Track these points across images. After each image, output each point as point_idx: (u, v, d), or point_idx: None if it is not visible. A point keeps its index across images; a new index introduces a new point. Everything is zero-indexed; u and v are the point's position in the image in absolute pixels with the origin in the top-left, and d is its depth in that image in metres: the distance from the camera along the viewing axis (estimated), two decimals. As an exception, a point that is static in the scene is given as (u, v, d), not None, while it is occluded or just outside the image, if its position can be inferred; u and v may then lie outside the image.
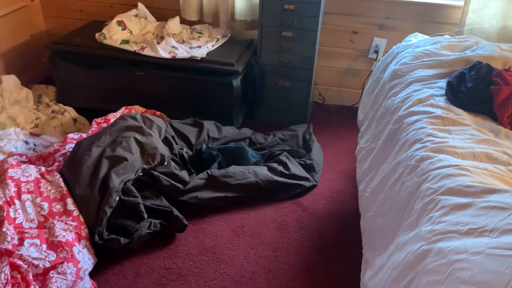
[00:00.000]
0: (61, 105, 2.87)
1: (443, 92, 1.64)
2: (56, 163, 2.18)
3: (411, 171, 1.34)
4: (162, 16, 3.03)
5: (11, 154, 2.32)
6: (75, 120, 2.82)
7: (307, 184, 2.37)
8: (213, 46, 2.73)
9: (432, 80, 1.73)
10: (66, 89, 2.84)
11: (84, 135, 2.35)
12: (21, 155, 2.33)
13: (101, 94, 2.80)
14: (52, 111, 2.84)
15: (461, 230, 1.05)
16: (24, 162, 2.25)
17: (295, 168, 2.41)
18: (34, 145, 2.49)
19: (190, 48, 2.68)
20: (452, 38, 2.04)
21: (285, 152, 2.46)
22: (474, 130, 1.43)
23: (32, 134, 2.55)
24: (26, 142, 2.46)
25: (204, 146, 2.29)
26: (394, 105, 1.70)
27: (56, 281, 1.67)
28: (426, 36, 2.22)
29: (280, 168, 2.37)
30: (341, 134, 2.91)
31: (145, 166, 2.12)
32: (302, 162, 2.48)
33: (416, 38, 2.18)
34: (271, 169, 2.36)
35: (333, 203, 2.32)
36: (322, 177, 2.49)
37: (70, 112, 2.84)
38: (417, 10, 2.78)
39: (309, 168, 2.47)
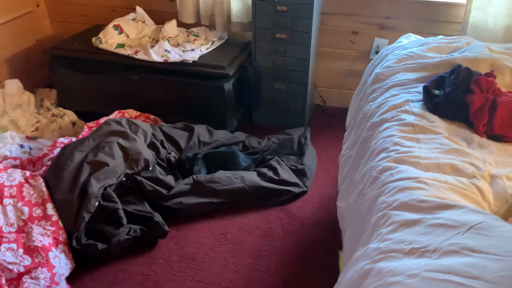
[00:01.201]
0: (61, 108, 2.91)
1: (421, 97, 1.55)
2: (44, 167, 2.21)
3: (372, 183, 1.27)
4: (161, 19, 3.03)
5: (5, 158, 2.37)
6: (74, 123, 2.86)
7: (296, 190, 2.31)
8: (207, 49, 2.71)
9: (413, 85, 1.64)
10: (65, 93, 2.88)
11: (74, 139, 2.37)
12: (15, 158, 2.38)
13: (98, 98, 2.82)
14: (52, 115, 2.89)
15: (404, 250, 0.98)
16: (16, 166, 2.30)
17: (285, 173, 2.35)
18: (30, 148, 2.53)
19: (183, 51, 2.66)
20: (443, 39, 1.94)
21: (276, 157, 2.41)
22: (445, 138, 1.34)
23: (28, 138, 2.60)
24: (22, 146, 2.50)
25: (183, 156, 2.27)
26: (370, 110, 1.62)
27: (28, 286, 1.69)
28: (419, 37, 2.12)
29: (270, 173, 2.32)
30: (340, 137, 2.76)
31: (128, 171, 2.12)
32: (293, 167, 2.42)
33: (408, 39, 2.09)
34: (260, 174, 2.32)
35: (321, 210, 2.25)
36: (314, 183, 2.42)
37: (70, 116, 2.88)
38: (418, 9, 2.67)
39: (301, 173, 2.40)
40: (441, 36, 2.02)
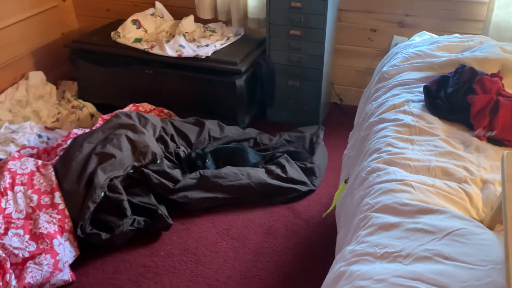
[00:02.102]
0: (81, 100, 2.99)
1: (423, 97, 1.50)
2: (57, 157, 2.27)
3: (360, 183, 1.25)
4: (180, 14, 3.06)
5: (23, 147, 2.46)
6: (92, 115, 2.93)
7: (303, 188, 2.28)
8: (222, 44, 2.72)
9: (416, 84, 1.58)
10: (85, 85, 2.96)
11: (88, 131, 2.42)
12: (32, 148, 2.46)
13: (115, 91, 2.88)
14: (72, 106, 2.97)
15: (377, 253, 0.95)
16: (33, 155, 2.38)
17: (294, 171, 2.33)
18: (48, 138, 2.62)
19: (198, 46, 2.68)
20: (455, 37, 1.86)
21: (285, 155, 2.39)
22: (441, 141, 1.29)
23: (47, 128, 2.69)
24: (40, 136, 2.59)
25: (193, 154, 2.28)
26: (371, 110, 1.58)
27: (31, 271, 1.75)
28: (433, 35, 2.05)
29: (278, 171, 2.31)
30: (355, 137, 2.78)
31: (135, 163, 2.15)
32: (302, 165, 2.39)
33: (421, 37, 2.02)
34: (268, 171, 2.30)
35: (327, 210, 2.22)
36: (322, 182, 2.39)
37: (89, 108, 2.95)
38: (439, 7, 2.58)
39: (309, 172, 2.37)
40: (456, 35, 1.95)
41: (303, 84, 2.71)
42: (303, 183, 2.30)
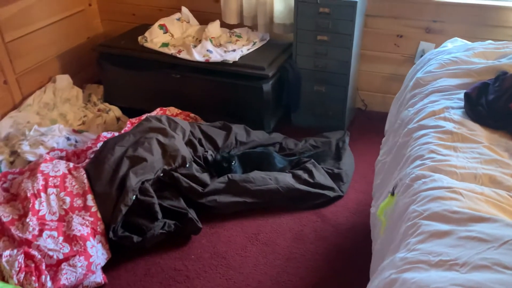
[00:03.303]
0: (107, 104, 3.02)
1: (462, 104, 1.49)
2: (87, 160, 2.30)
3: (404, 190, 1.24)
4: (206, 19, 3.08)
5: (52, 149, 2.49)
6: (118, 119, 2.96)
7: (331, 194, 2.28)
8: (248, 50, 2.73)
9: (455, 91, 1.58)
10: (111, 89, 2.99)
11: (117, 134, 2.45)
12: (61, 150, 2.49)
13: (141, 95, 2.91)
14: (98, 110, 3.00)
15: (431, 261, 0.94)
16: (62, 157, 2.40)
17: (321, 176, 2.33)
18: (76, 141, 2.65)
19: (225, 51, 2.69)
20: (490, 44, 1.85)
21: (312, 160, 2.39)
22: (485, 148, 1.28)
23: (74, 131, 2.72)
24: (68, 139, 2.62)
25: (218, 156, 2.29)
26: (408, 116, 1.58)
27: (66, 273, 1.76)
28: (465, 41, 2.03)
29: (305, 176, 2.31)
30: (381, 142, 2.76)
31: (165, 167, 2.17)
32: (329, 170, 2.39)
33: (453, 44, 2.01)
34: (295, 176, 2.31)
35: (357, 216, 2.21)
36: (350, 188, 2.39)
37: (115, 111, 2.98)
38: (468, 13, 2.57)
39: (337, 177, 2.37)
40: (489, 41, 1.93)
41: (329, 89, 2.71)
42: (330, 188, 2.30)
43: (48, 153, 2.40)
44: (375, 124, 2.98)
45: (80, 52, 3.35)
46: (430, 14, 2.66)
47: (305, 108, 2.83)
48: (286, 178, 2.27)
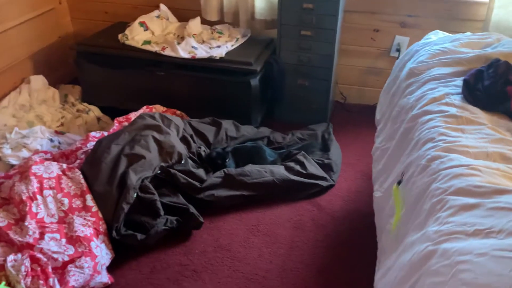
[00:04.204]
0: (86, 104, 2.95)
1: (459, 90, 1.60)
2: (78, 161, 2.24)
3: (421, 171, 1.32)
4: (184, 16, 3.07)
5: (36, 152, 2.41)
6: (99, 119, 2.90)
7: (324, 183, 2.35)
8: (232, 45, 2.75)
9: (449, 79, 1.69)
10: (90, 88, 2.92)
11: (106, 134, 2.41)
12: (45, 152, 2.42)
13: (123, 93, 2.86)
14: (77, 110, 2.92)
15: (468, 231, 1.02)
16: (48, 159, 2.33)
17: (313, 167, 2.40)
18: (59, 143, 2.57)
19: (210, 48, 2.70)
20: (473, 35, 1.99)
21: (302, 152, 2.46)
22: (489, 129, 1.39)
23: (57, 132, 2.64)
24: (51, 140, 2.54)
25: (214, 153, 2.31)
26: (409, 103, 1.67)
27: (74, 275, 1.73)
28: (447, 34, 2.17)
29: (297, 167, 2.37)
30: (362, 133, 2.88)
31: (162, 164, 2.16)
32: (320, 161, 2.47)
33: (436, 36, 2.14)
34: (288, 168, 2.36)
35: (350, 203, 2.30)
36: (340, 177, 2.47)
37: (95, 111, 2.92)
38: (440, 7, 2.72)
39: (327, 167, 2.45)
40: (469, 33, 2.07)
41: (312, 83, 2.79)
42: (323, 178, 2.38)
43: (32, 155, 2.32)
44: (353, 116, 3.10)
45: (51, 52, 3.25)
46: (405, 9, 2.79)
47: (288, 102, 2.89)
48: (281, 170, 2.32)
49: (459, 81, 1.64)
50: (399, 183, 1.46)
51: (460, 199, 1.12)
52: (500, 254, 0.93)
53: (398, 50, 2.89)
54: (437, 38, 2.09)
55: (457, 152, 1.30)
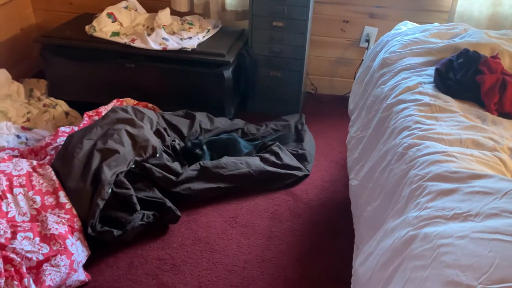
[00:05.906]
0: (52, 98, 2.85)
1: (432, 79, 1.65)
2: (48, 157, 2.18)
3: (399, 158, 1.36)
4: (152, 7, 3.02)
5: (2, 149, 2.32)
6: (67, 113, 2.82)
7: (299, 173, 2.38)
8: (203, 37, 2.73)
9: (421, 68, 1.73)
10: (57, 82, 2.83)
11: (76, 128, 2.34)
12: (13, 149, 2.33)
13: (92, 87, 2.79)
14: (44, 105, 2.83)
15: (447, 215, 1.06)
16: (16, 156, 2.25)
17: (287, 158, 2.42)
18: (26, 139, 2.48)
19: (181, 39, 2.67)
20: (441, 25, 2.05)
21: (277, 143, 2.47)
22: (461, 116, 1.44)
23: (23, 128, 2.55)
24: (18, 136, 2.45)
25: (189, 143, 2.29)
26: (383, 93, 1.71)
27: (50, 274, 1.68)
28: (416, 24, 2.22)
29: (272, 158, 2.38)
30: (334, 123, 2.93)
31: (137, 158, 2.13)
32: (294, 152, 2.49)
33: (406, 26, 2.19)
34: (263, 160, 2.37)
35: (325, 192, 2.34)
36: (314, 167, 2.51)
37: (62, 106, 2.83)
38: (407, -2, 2.79)
39: (301, 158, 2.48)
40: (437, 23, 2.13)
41: (284, 74, 2.80)
42: (298, 168, 2.40)
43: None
44: (325, 106, 3.14)
45: (14, 45, 3.13)
46: (373, 0, 2.84)
47: (261, 94, 2.90)
48: (257, 162, 2.33)
49: (430, 71, 1.68)
50: None
51: (438, 184, 1.16)
52: (479, 236, 0.97)
53: (368, 41, 2.94)
54: (407, 28, 2.14)
55: (432, 140, 1.34)
